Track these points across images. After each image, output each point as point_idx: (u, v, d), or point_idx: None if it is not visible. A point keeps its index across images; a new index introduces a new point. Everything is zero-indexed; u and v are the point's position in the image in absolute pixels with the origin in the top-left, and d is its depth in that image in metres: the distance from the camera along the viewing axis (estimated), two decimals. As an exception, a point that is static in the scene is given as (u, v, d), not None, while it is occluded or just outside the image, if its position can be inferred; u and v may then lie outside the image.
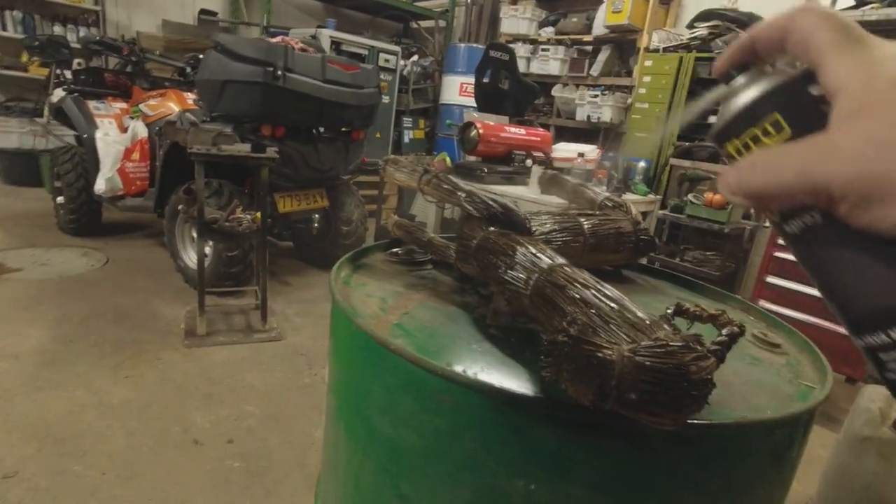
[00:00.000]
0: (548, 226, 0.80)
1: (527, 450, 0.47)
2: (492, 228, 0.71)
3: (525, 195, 2.95)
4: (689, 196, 3.55)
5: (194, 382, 2.26)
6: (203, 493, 1.66)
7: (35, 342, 2.41)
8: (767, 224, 2.86)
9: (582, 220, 0.83)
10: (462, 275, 0.79)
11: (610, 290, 0.52)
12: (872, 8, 2.55)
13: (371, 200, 4.61)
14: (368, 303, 0.66)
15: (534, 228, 0.77)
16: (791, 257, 2.68)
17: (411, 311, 0.66)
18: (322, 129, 3.43)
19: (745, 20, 4.51)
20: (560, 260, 0.60)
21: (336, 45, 5.26)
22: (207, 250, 2.91)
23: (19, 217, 4.29)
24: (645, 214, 4.19)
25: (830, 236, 0.28)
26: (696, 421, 0.45)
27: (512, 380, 0.50)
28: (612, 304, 0.49)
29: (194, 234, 3.05)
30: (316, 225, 3.80)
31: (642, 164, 4.20)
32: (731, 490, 0.50)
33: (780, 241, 2.75)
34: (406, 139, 6.25)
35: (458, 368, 0.50)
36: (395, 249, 0.90)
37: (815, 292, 2.45)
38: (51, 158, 4.24)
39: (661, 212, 3.75)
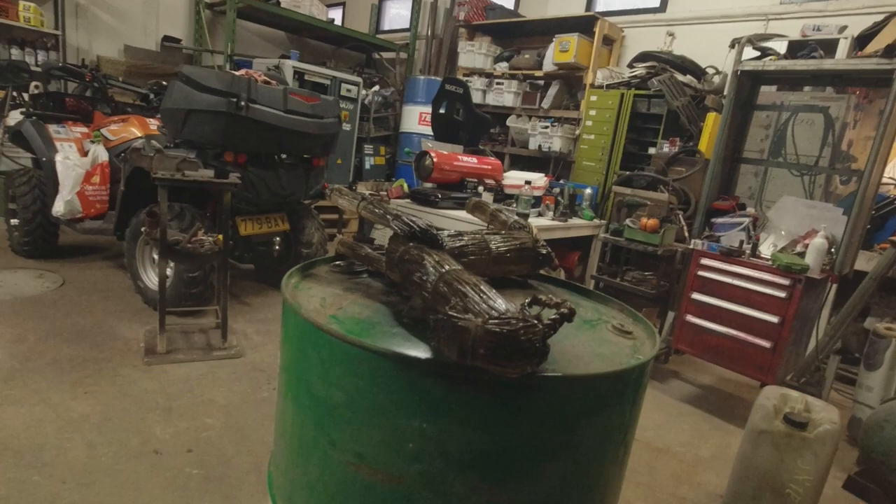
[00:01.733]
0: (461, 242, 1.00)
1: (419, 398, 0.66)
2: (412, 244, 0.91)
3: (469, 218, 3.17)
4: (627, 220, 3.86)
5: (154, 397, 2.34)
6: (162, 498, 1.75)
7: (-9, 361, 2.44)
8: (693, 245, 3.17)
9: (489, 237, 1.04)
10: (390, 281, 0.98)
11: (485, 287, 0.72)
12: (771, 59, 2.93)
13: (332, 224, 4.76)
14: (311, 301, 0.84)
15: (448, 244, 0.97)
16: (712, 276, 2.99)
17: (345, 307, 0.84)
18: (283, 156, 3.58)
19: (677, 62, 4.97)
20: (455, 266, 0.80)
21: (299, 75, 5.45)
22: (169, 271, 3.00)
23: (-30, 239, 4.24)
24: (591, 238, 4.50)
25: None
26: (535, 374, 0.65)
27: (411, 349, 0.69)
28: (482, 296, 0.68)
29: (155, 256, 3.14)
30: (277, 248, 3.92)
31: (588, 190, 4.53)
32: (563, 425, 0.70)
33: (703, 262, 3.07)
34: (367, 165, 6.45)
35: (373, 343, 0.69)
36: (337, 262, 1.08)
37: (733, 307, 2.73)
38: (5, 181, 4.22)
39: (603, 235, 4.04)
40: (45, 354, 2.57)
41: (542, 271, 1.17)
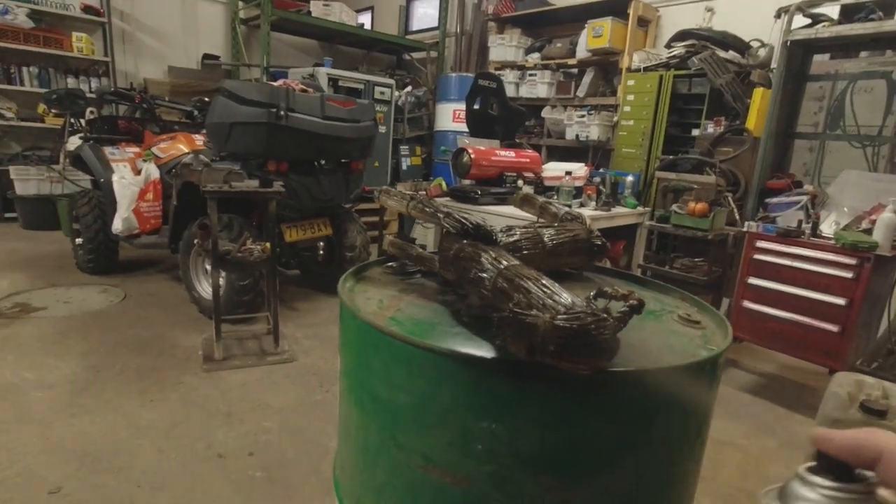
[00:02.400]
0: (514, 237, 0.98)
1: (487, 397, 0.64)
2: (465, 241, 0.90)
3: (513, 213, 3.13)
4: (674, 206, 3.73)
5: (215, 403, 2.42)
6: (229, 500, 1.81)
7: (66, 373, 2.59)
8: (746, 228, 3.03)
9: (542, 231, 1.01)
10: (444, 280, 0.97)
11: (547, 281, 0.70)
12: (824, 26, 2.77)
13: (373, 227, 4.82)
14: (369, 303, 0.84)
15: (501, 239, 0.96)
16: (769, 259, 2.85)
17: (403, 308, 0.84)
18: (323, 162, 3.65)
19: (718, 38, 4.77)
20: (513, 262, 0.78)
21: (333, 81, 5.54)
22: (221, 280, 3.11)
23: (39, 259, 4.51)
24: (635, 226, 4.37)
25: None
26: (606, 368, 0.62)
27: (475, 348, 0.68)
28: (546, 290, 0.67)
29: (208, 267, 3.26)
30: (321, 252, 4.00)
31: (630, 178, 4.41)
32: (638, 421, 0.67)
33: (759, 244, 2.93)
34: (404, 166, 6.50)
35: (436, 343, 0.68)
36: (390, 264, 1.08)
37: (794, 290, 2.59)
38: (69, 202, 4.48)
39: (648, 223, 3.92)
40: (114, 365, 2.71)
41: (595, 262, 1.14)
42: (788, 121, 3.25)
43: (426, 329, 0.75)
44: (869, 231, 2.63)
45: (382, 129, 5.97)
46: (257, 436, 2.20)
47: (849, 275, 2.54)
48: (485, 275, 0.78)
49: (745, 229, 3.04)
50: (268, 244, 2.90)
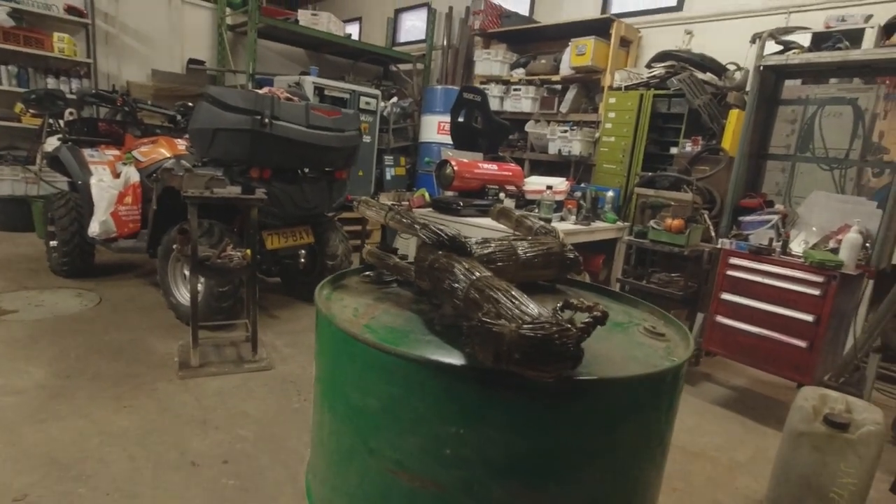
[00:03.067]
0: (489, 248, 1.01)
1: (456, 404, 0.67)
2: (441, 252, 0.92)
3: (493, 225, 3.18)
4: (651, 222, 3.81)
5: (190, 410, 2.40)
6: (201, 509, 1.79)
7: (36, 378, 2.54)
8: (720, 245, 3.11)
9: (516, 243, 1.05)
10: (420, 290, 0.99)
11: (516, 292, 0.73)
12: (794, 53, 2.88)
13: (356, 236, 4.83)
14: (344, 311, 0.86)
15: (476, 251, 0.98)
16: (741, 275, 2.93)
17: (378, 316, 0.86)
18: (307, 170, 3.65)
19: (697, 60, 4.92)
20: (485, 273, 0.81)
21: (319, 90, 5.56)
22: (200, 286, 3.08)
23: (12, 261, 4.41)
24: (615, 240, 4.45)
25: None
26: (571, 377, 0.65)
27: (446, 356, 0.70)
28: (514, 301, 0.69)
29: (186, 272, 3.23)
30: (302, 260, 3.98)
31: (610, 193, 4.49)
32: (601, 428, 0.70)
33: (732, 261, 3.01)
34: (388, 176, 6.52)
35: (409, 351, 0.70)
36: (367, 273, 1.10)
37: (765, 306, 2.66)
38: (44, 204, 4.40)
39: (627, 238, 4.00)
40: (87, 371, 2.66)
41: (568, 275, 1.18)
42: (761, 142, 3.36)
43: (399, 337, 0.78)
44: (836, 250, 2.73)
45: (367, 139, 5.99)
46: (232, 444, 2.18)
47: (817, 292, 2.63)
48: (457, 285, 0.80)
49: (719, 246, 3.12)
50: (248, 251, 2.89)
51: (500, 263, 0.99)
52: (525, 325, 0.62)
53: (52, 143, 4.46)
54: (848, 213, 2.83)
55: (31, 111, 5.30)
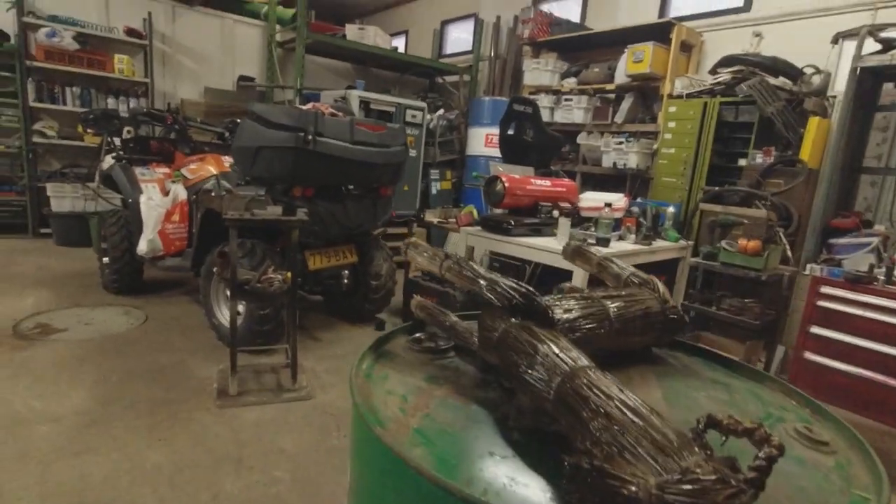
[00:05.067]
0: (573, 312, 0.78)
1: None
2: (513, 320, 0.71)
3: (551, 247, 2.93)
4: (723, 242, 3.46)
5: (225, 445, 2.26)
6: (230, 568, 1.63)
7: (75, 403, 2.48)
8: (807, 271, 2.75)
9: (607, 302, 0.82)
10: (485, 363, 0.78)
11: (634, 400, 0.50)
12: (901, 52, 2.52)
13: (397, 252, 4.67)
14: (389, 402, 0.65)
15: (558, 315, 0.76)
16: (836, 306, 2.56)
17: (432, 410, 0.65)
18: (351, 187, 3.52)
19: (768, 64, 4.51)
20: (583, 362, 0.58)
21: (365, 104, 5.47)
22: (240, 308, 2.98)
23: (68, 277, 4.50)
24: (677, 260, 4.09)
25: None
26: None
27: (534, 495, 0.48)
28: (637, 420, 0.47)
29: (228, 293, 3.14)
30: (346, 281, 3.85)
31: (671, 209, 4.14)
32: None
33: (823, 290, 2.64)
34: (433, 191, 6.37)
35: (479, 487, 0.49)
36: (417, 335, 0.90)
37: (863, 343, 2.30)
38: (98, 221, 4.47)
39: (693, 259, 3.66)
40: (124, 397, 2.58)
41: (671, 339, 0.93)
42: (854, 153, 2.97)
43: (463, 450, 0.56)
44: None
45: (413, 152, 5.86)
46: (267, 487, 2.02)
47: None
48: (542, 375, 0.58)
49: (807, 272, 2.76)
50: (289, 274, 2.76)
51: (588, 331, 0.76)
52: (671, 484, 0.39)
53: (108, 162, 4.55)
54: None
55: (89, 130, 5.46)
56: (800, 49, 4.53)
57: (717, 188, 4.29)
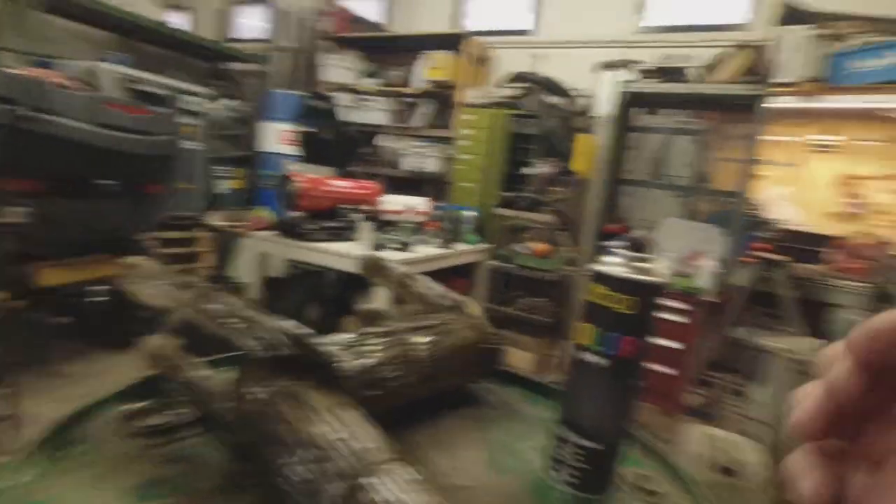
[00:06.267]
0: (373, 357, 0.57)
1: None
2: (283, 377, 0.46)
3: (353, 252, 2.73)
4: (516, 246, 3.69)
5: None
6: None
7: None
8: (584, 272, 3.05)
9: (416, 339, 0.62)
10: (240, 447, 0.51)
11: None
12: (649, 81, 2.95)
13: (183, 259, 3.97)
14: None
15: (348, 365, 0.54)
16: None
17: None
18: (103, 182, 2.80)
19: (546, 83, 5.02)
20: (376, 455, 0.37)
21: (128, 83, 4.51)
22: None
23: None
24: (476, 264, 4.25)
25: None
26: None
27: None
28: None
29: None
30: (102, 298, 3.08)
31: (470, 213, 4.30)
32: None
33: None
34: (223, 190, 5.63)
35: None
36: (141, 405, 0.58)
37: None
38: None
39: (491, 262, 3.83)
40: None
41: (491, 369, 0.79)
42: (616, 167, 3.42)
43: None
44: (689, 276, 2.80)
45: (196, 145, 5.06)
46: None
47: (686, 319, 2.64)
48: (311, 474, 0.36)
49: (583, 272, 3.06)
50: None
51: (392, 383, 0.56)
52: None
53: None
54: (698, 240, 2.94)
55: None
56: (574, 73, 5.12)
57: (512, 194, 4.60)
